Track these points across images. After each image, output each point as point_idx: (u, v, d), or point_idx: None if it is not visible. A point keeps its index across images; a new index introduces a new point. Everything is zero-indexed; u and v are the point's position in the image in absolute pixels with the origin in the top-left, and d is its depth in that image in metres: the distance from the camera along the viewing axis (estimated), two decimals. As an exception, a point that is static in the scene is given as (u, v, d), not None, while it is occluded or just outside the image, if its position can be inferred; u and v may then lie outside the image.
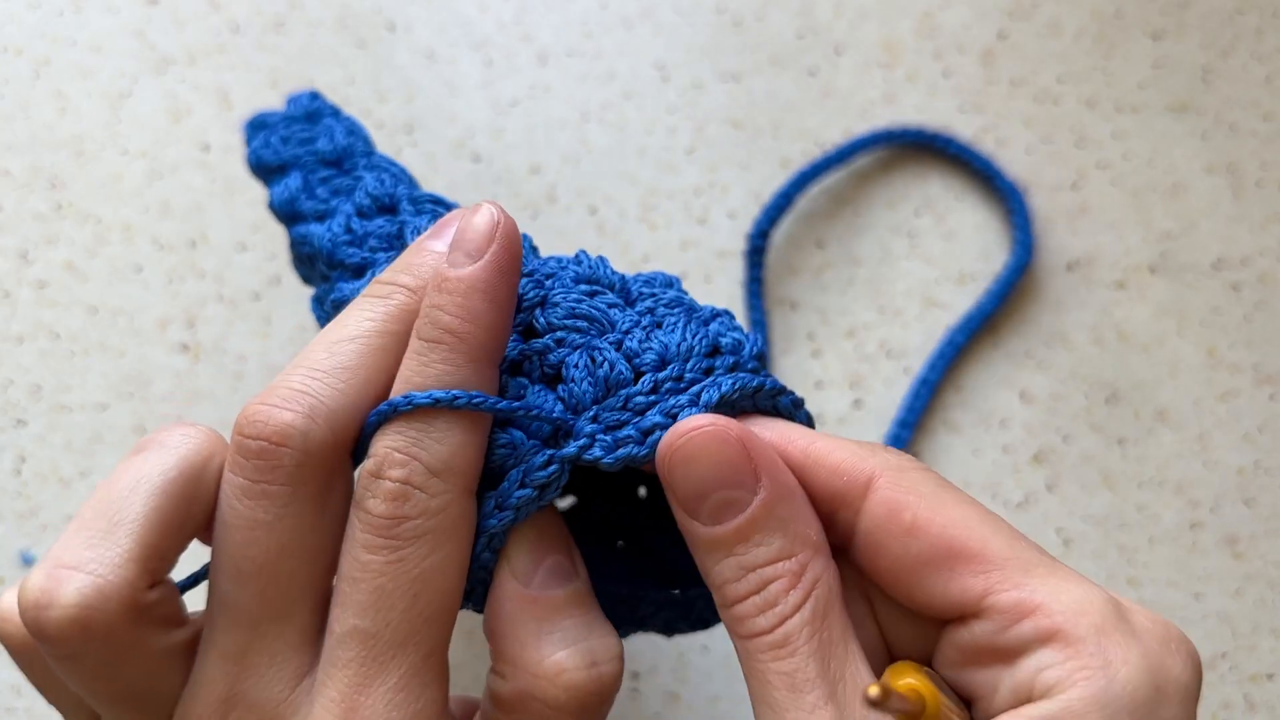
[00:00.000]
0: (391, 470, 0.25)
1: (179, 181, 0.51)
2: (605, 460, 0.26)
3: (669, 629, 0.33)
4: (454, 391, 0.26)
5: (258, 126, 0.37)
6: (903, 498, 0.25)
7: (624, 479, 0.37)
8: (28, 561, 0.46)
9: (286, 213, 0.34)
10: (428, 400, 0.25)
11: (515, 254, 0.27)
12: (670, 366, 0.27)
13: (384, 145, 0.52)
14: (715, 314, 0.29)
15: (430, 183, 0.51)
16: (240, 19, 0.53)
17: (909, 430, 0.47)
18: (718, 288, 0.50)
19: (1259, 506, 0.48)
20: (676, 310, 0.29)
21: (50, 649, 0.24)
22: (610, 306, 0.29)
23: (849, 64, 0.53)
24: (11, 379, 0.48)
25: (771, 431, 0.27)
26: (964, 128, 0.52)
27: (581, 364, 0.27)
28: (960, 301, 0.50)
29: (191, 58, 0.53)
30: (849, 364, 0.49)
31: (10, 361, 0.49)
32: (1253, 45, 0.54)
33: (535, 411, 0.27)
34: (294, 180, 0.35)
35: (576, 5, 0.54)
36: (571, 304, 0.28)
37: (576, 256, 0.30)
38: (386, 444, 0.25)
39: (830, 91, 0.53)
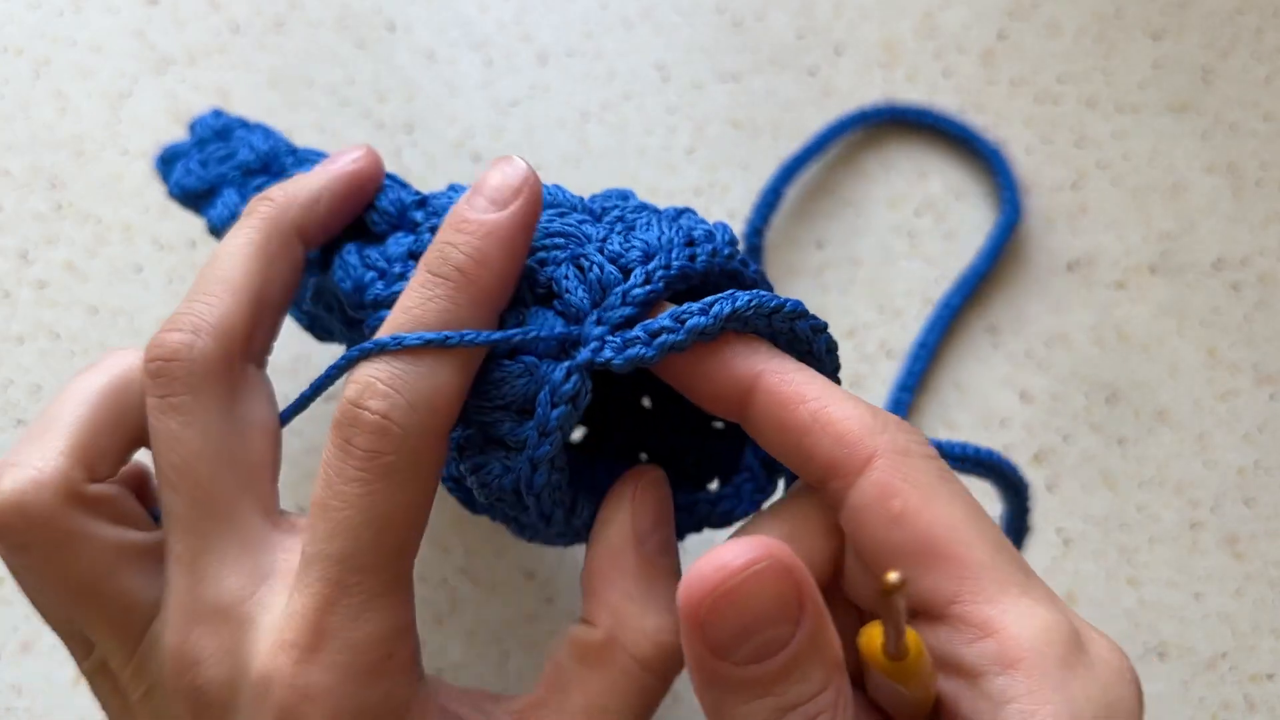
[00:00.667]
0: (372, 401, 0.26)
1: (179, 181, 0.51)
2: (616, 361, 0.26)
3: (726, 517, 0.33)
4: (445, 333, 0.26)
5: (169, 160, 0.38)
6: (897, 484, 0.25)
7: (627, 390, 0.37)
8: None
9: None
10: (417, 341, 0.26)
11: (537, 211, 0.28)
12: (657, 257, 0.28)
13: (384, 145, 0.52)
14: (680, 211, 0.30)
15: (430, 183, 0.51)
16: (240, 19, 0.53)
17: (909, 394, 0.48)
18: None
19: (1259, 506, 0.48)
20: (644, 213, 0.29)
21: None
22: (581, 223, 0.29)
23: (849, 64, 0.53)
24: (11, 379, 0.48)
25: (785, 383, 0.26)
26: (964, 128, 0.52)
27: (571, 274, 0.28)
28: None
29: (191, 58, 0.53)
30: (849, 364, 0.49)
31: (10, 361, 0.49)
32: (1253, 45, 0.54)
33: (533, 334, 0.27)
34: (229, 198, 0.35)
35: (576, 5, 0.54)
36: (544, 225, 0.29)
37: None
38: (370, 372, 0.26)
39: (830, 91, 0.53)
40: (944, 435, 0.49)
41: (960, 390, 0.49)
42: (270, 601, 0.27)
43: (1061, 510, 0.47)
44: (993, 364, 0.49)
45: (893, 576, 0.21)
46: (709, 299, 0.27)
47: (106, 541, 0.28)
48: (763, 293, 0.27)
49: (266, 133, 0.37)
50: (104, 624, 0.28)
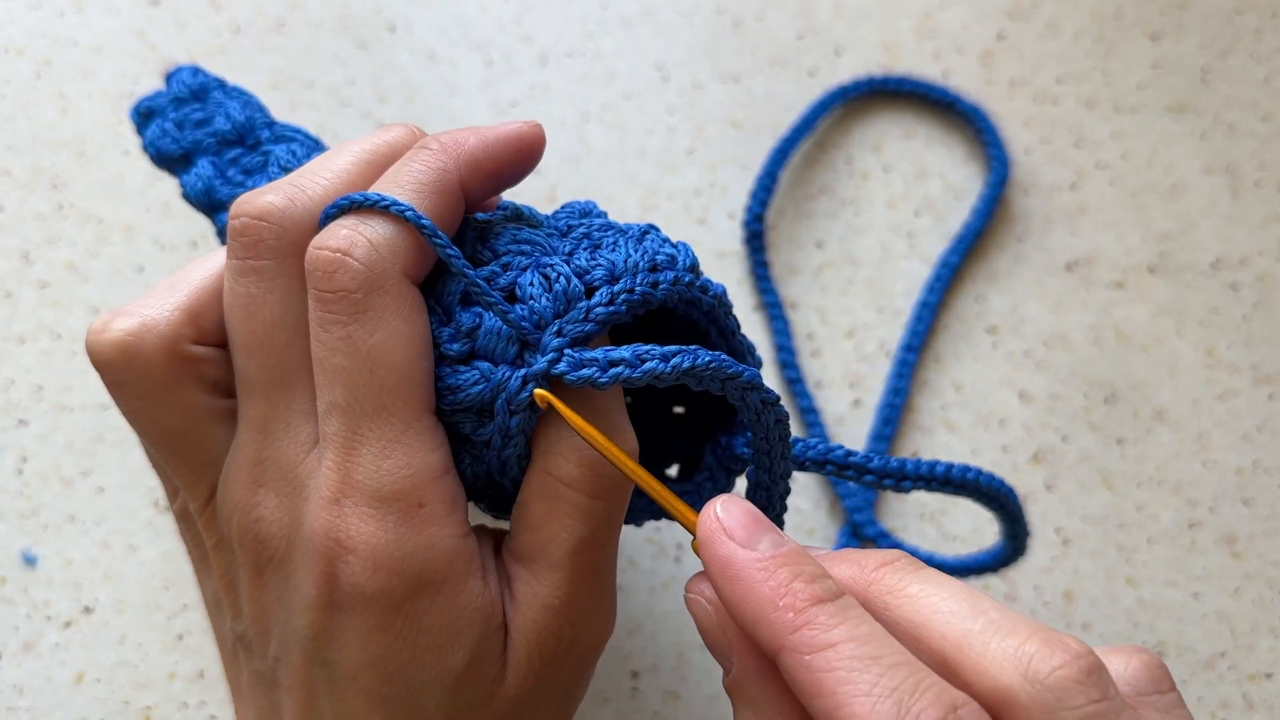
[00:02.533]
0: (331, 240, 0.27)
1: (180, 182, 0.51)
2: (569, 377, 0.27)
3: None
4: (398, 201, 0.27)
5: (146, 114, 0.37)
6: None
7: (663, 398, 0.37)
8: (29, 561, 0.46)
9: (204, 203, 0.35)
10: (374, 199, 0.27)
11: (523, 146, 0.30)
12: (622, 280, 0.28)
13: (384, 145, 0.52)
14: (644, 230, 0.30)
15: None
16: (241, 20, 0.53)
17: (914, 354, 0.49)
18: (718, 288, 0.50)
19: (1257, 506, 0.48)
20: (609, 232, 0.30)
21: (101, 374, 0.29)
22: (548, 235, 0.30)
23: (849, 64, 0.53)
24: (13, 379, 0.48)
25: (804, 668, 0.23)
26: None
27: (536, 281, 0.28)
28: (959, 302, 0.50)
29: (192, 58, 0.53)
30: (849, 364, 0.49)
31: (12, 361, 0.49)
32: (1252, 45, 0.54)
33: (495, 302, 0.28)
34: (204, 169, 0.35)
35: (576, 5, 0.54)
36: (512, 232, 0.29)
37: (499, 203, 0.31)
38: (334, 224, 0.28)
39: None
40: (944, 435, 0.49)
41: (960, 390, 0.49)
42: (315, 466, 0.28)
43: (1060, 510, 0.48)
44: (992, 364, 0.49)
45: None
46: (671, 349, 0.27)
47: (195, 399, 0.29)
48: (723, 357, 0.27)
49: (245, 101, 0.37)
50: (185, 473, 0.30)
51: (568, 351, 0.27)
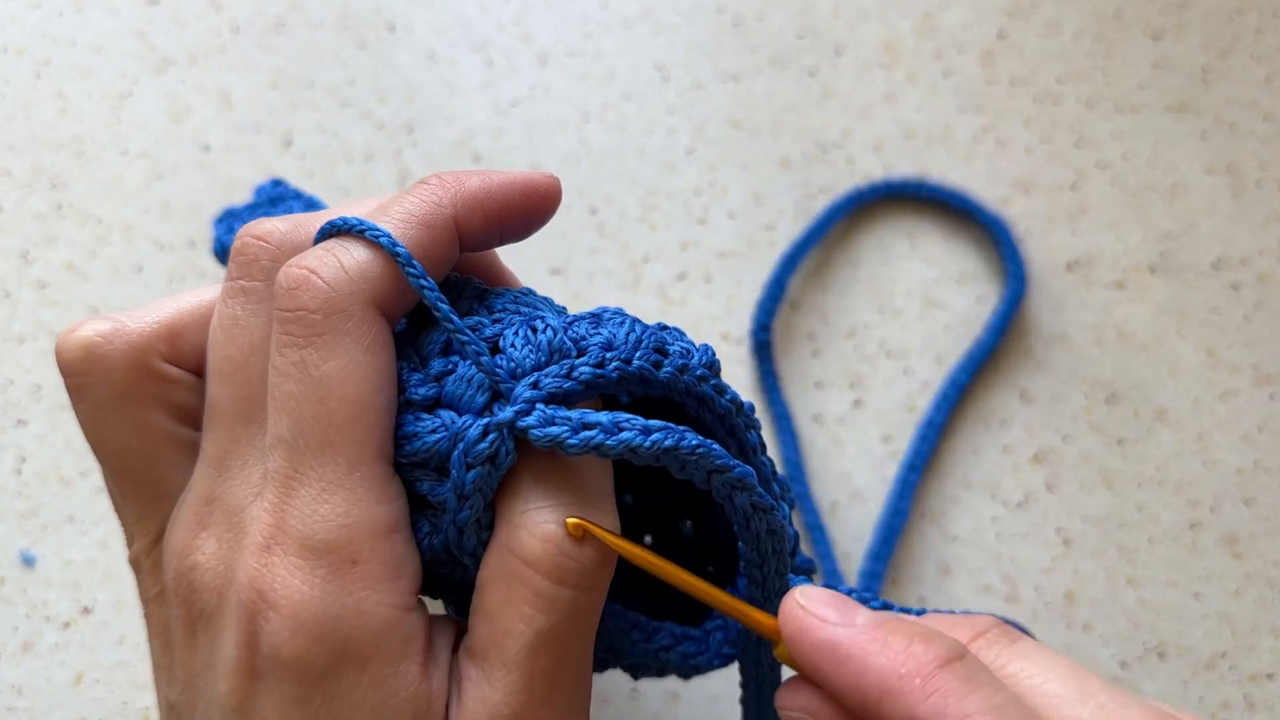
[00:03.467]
0: (303, 258, 0.25)
1: (179, 182, 0.51)
2: (534, 432, 0.24)
3: (685, 665, 0.30)
4: (375, 226, 0.25)
5: (224, 218, 0.37)
6: None
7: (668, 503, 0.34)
8: (28, 561, 0.46)
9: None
10: (352, 224, 0.25)
11: (534, 195, 0.28)
12: (619, 349, 0.25)
13: (384, 145, 0.52)
14: (664, 325, 0.27)
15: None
16: (240, 20, 0.53)
17: (917, 474, 0.47)
18: (718, 288, 0.50)
19: (1259, 506, 0.48)
20: (621, 316, 0.27)
21: (64, 376, 0.27)
22: (556, 310, 0.28)
23: (849, 64, 0.53)
24: (12, 379, 0.48)
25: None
26: (964, 128, 0.52)
27: (521, 333, 0.25)
28: (960, 302, 0.50)
29: (192, 58, 0.53)
30: (849, 364, 0.49)
31: (11, 361, 0.49)
32: (1253, 45, 0.54)
33: (450, 317, 0.25)
34: None
35: (576, 5, 0.54)
36: (515, 295, 0.27)
37: (522, 287, 0.29)
38: (315, 246, 0.26)
39: (830, 91, 0.53)
40: (944, 435, 0.49)
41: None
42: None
43: (1061, 510, 0.47)
44: (993, 364, 0.49)
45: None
46: (655, 423, 0.24)
47: (157, 420, 0.27)
48: (714, 445, 0.24)
49: (310, 202, 0.37)
50: (134, 505, 0.28)
51: (540, 406, 0.24)
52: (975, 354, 0.48)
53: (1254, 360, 0.49)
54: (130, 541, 0.29)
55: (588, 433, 0.24)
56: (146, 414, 0.27)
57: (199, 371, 0.28)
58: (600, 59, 0.53)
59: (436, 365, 0.26)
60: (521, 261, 0.50)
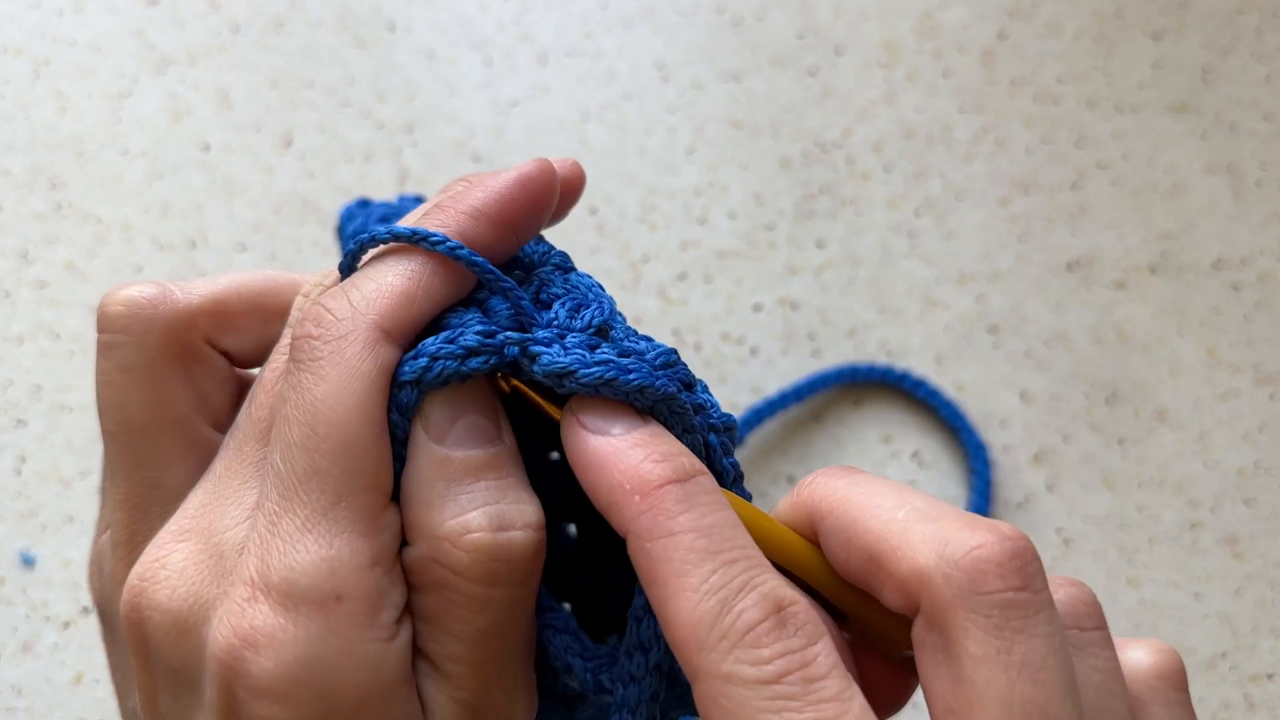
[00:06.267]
0: (321, 297, 0.25)
1: (179, 181, 0.51)
2: (544, 356, 0.24)
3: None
4: (415, 229, 0.25)
5: (356, 213, 0.35)
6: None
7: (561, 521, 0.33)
8: (27, 561, 0.46)
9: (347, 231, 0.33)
10: (386, 234, 0.25)
11: (531, 187, 0.26)
12: (653, 355, 0.25)
13: (384, 145, 0.52)
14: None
15: (430, 183, 0.51)
16: (240, 19, 0.53)
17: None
18: (718, 288, 0.50)
19: (1259, 506, 0.48)
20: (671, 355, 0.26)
21: (99, 329, 0.26)
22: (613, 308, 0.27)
23: (849, 64, 0.53)
24: (11, 379, 0.48)
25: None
26: (964, 128, 0.52)
27: (568, 303, 0.25)
28: (960, 302, 0.50)
29: (191, 58, 0.53)
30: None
31: (10, 361, 0.49)
32: (1253, 45, 0.54)
33: (491, 275, 0.25)
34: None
35: (576, 5, 0.54)
36: (588, 283, 0.27)
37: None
38: (341, 287, 0.25)
39: (830, 91, 0.53)
40: (944, 436, 0.49)
41: (960, 390, 0.49)
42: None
43: (1061, 510, 0.47)
44: (993, 364, 0.49)
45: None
46: (659, 364, 0.24)
47: (178, 398, 0.26)
48: (707, 397, 0.25)
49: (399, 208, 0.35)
50: (122, 484, 0.27)
51: (555, 343, 0.24)
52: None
53: (1254, 360, 0.49)
54: (101, 531, 0.27)
55: (599, 368, 0.23)
56: (169, 390, 0.26)
57: (238, 362, 0.27)
58: (600, 59, 0.53)
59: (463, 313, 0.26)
60: (521, 261, 0.50)
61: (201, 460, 0.26)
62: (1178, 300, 0.50)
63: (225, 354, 0.28)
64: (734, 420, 0.26)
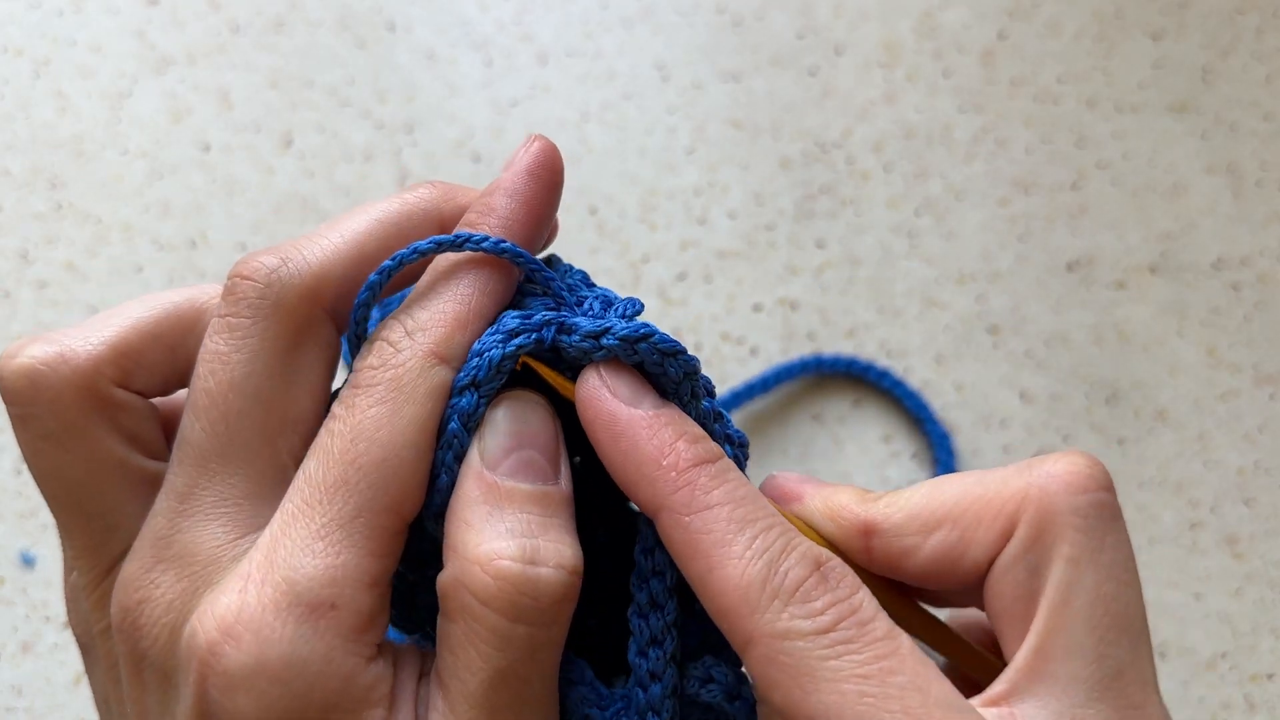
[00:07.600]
0: (384, 331, 0.25)
1: (179, 181, 0.51)
2: (581, 325, 0.25)
3: None
4: (470, 233, 0.26)
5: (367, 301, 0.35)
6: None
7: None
8: (28, 561, 0.46)
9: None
10: (430, 245, 0.25)
11: (541, 168, 0.27)
12: (680, 357, 0.25)
13: (384, 145, 0.52)
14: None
15: (430, 183, 0.51)
16: (240, 19, 0.53)
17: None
18: (718, 288, 0.50)
19: (1259, 506, 0.48)
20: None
21: (6, 403, 0.25)
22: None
23: (849, 64, 0.53)
24: (12, 379, 0.48)
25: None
26: (964, 128, 0.52)
27: (600, 300, 0.26)
28: (960, 302, 0.50)
29: (191, 58, 0.53)
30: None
31: (10, 361, 0.49)
32: (1253, 45, 0.54)
33: (538, 270, 0.26)
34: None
35: (576, 5, 0.54)
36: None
37: None
38: (396, 317, 0.26)
39: (830, 91, 0.53)
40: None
41: (960, 390, 0.49)
42: (246, 551, 0.25)
43: (1061, 510, 0.47)
44: (993, 364, 0.49)
45: None
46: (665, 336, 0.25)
47: (107, 448, 0.26)
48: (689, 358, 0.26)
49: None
50: (80, 536, 0.26)
51: (589, 322, 0.25)
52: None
53: (1254, 360, 0.49)
54: (68, 573, 0.27)
55: (638, 323, 0.25)
56: (96, 444, 0.26)
57: (151, 392, 0.27)
58: (600, 59, 0.53)
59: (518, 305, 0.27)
60: (521, 261, 0.50)
61: (150, 491, 0.26)
62: (1178, 300, 0.50)
63: (139, 392, 0.27)
64: (746, 438, 0.27)
